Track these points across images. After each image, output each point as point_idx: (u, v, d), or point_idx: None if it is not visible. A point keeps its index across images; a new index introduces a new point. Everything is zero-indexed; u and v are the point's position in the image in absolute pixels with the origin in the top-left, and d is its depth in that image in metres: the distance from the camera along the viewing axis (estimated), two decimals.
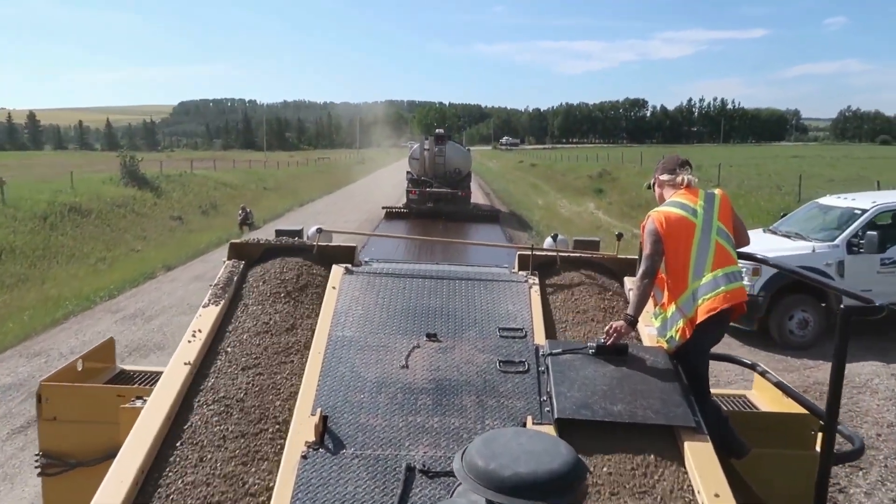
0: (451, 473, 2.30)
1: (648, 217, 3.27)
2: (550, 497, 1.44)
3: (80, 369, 3.88)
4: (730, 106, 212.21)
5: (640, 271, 3.24)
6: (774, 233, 9.57)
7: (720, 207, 3.27)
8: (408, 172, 23.89)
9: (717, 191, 3.39)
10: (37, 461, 3.52)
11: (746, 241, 3.45)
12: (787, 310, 8.50)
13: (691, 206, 3.23)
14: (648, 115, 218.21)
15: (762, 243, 8.61)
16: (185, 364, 2.92)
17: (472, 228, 19.94)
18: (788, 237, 9.11)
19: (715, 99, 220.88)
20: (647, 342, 3.36)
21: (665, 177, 3.45)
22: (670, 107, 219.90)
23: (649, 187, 3.64)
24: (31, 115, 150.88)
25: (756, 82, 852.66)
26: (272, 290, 3.60)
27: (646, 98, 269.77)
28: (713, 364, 3.53)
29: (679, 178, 3.38)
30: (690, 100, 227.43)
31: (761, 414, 3.73)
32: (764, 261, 3.70)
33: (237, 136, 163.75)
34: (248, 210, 21.51)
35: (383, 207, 23.33)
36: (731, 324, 8.47)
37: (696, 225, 3.18)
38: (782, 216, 10.34)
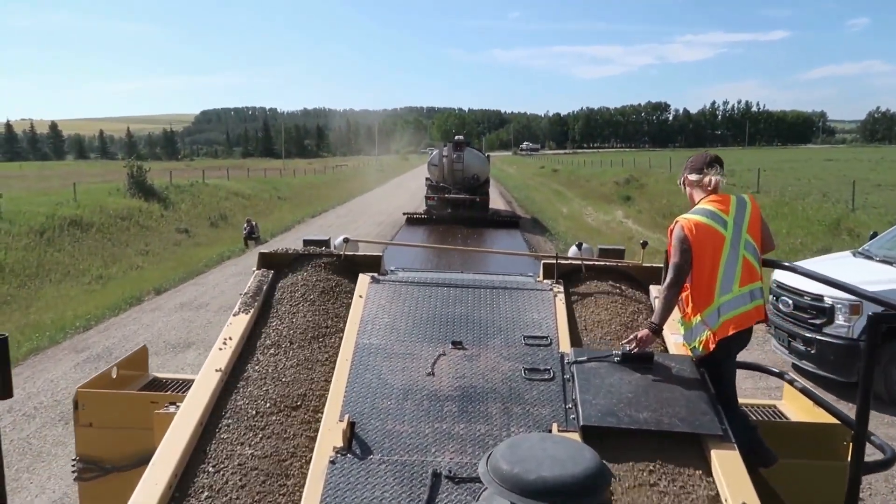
0: (476, 479, 2.27)
1: (677, 222, 3.16)
2: (574, 501, 1.43)
3: (114, 377, 3.91)
4: (754, 108, 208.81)
5: (667, 280, 3.12)
6: (870, 258, 7.78)
7: (750, 218, 3.18)
8: (427, 178, 24.19)
9: (747, 197, 3.28)
10: (73, 466, 3.55)
11: (772, 247, 3.37)
12: None
13: (722, 216, 3.13)
14: (671, 118, 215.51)
15: (857, 272, 6.99)
16: (217, 371, 2.97)
17: (492, 234, 19.90)
18: (890, 263, 7.37)
19: (739, 101, 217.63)
20: (673, 350, 3.29)
21: (693, 176, 3.32)
22: (693, 110, 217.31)
23: (682, 186, 3.49)
24: (53, 125, 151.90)
25: (777, 84, 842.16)
26: (300, 300, 3.63)
27: (668, 102, 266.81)
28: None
29: (706, 179, 3.25)
30: (714, 102, 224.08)
31: (791, 424, 3.63)
32: (791, 268, 3.45)
33: (257, 144, 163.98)
34: (254, 223, 20.24)
35: (404, 213, 23.81)
36: (826, 374, 6.82)
37: (725, 238, 3.10)
38: (872, 236, 8.63)
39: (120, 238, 21.18)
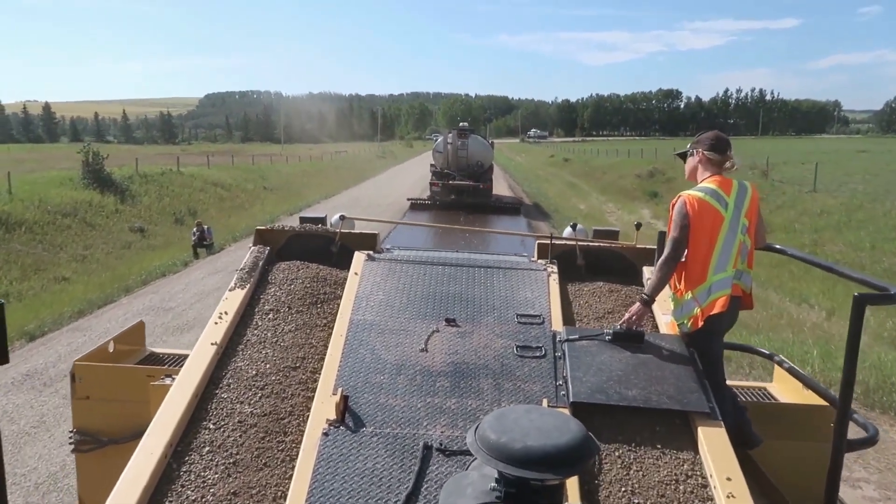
0: (467, 452, 2.32)
1: (679, 197, 3.17)
2: (559, 470, 1.47)
3: (111, 351, 3.95)
4: (768, 97, 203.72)
5: (664, 254, 3.14)
6: None
7: (749, 204, 3.20)
8: (431, 165, 24.78)
9: (748, 184, 3.27)
10: (71, 438, 3.61)
11: (764, 242, 3.38)
12: None
13: (724, 197, 3.15)
14: (682, 106, 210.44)
15: None
16: (212, 344, 2.97)
17: (495, 220, 20.27)
18: None
19: (752, 90, 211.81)
20: (663, 330, 3.31)
21: (712, 155, 3.27)
22: (705, 98, 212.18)
23: (681, 156, 3.47)
24: (47, 107, 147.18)
25: (789, 72, 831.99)
26: (297, 271, 3.69)
27: (679, 89, 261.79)
28: None
29: (728, 163, 3.27)
30: (727, 90, 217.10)
31: (780, 405, 3.68)
32: (782, 251, 3.39)
33: (257, 128, 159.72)
34: (206, 227, 16.54)
35: (408, 199, 24.40)
36: None
37: (724, 219, 3.12)
38: None
39: (55, 240, 17.67)
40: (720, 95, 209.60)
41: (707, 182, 3.19)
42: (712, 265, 3.07)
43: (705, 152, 3.25)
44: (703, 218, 3.06)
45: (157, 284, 12.99)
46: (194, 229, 16.36)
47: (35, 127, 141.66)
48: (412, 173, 44.44)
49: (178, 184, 27.92)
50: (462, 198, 22.91)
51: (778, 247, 3.41)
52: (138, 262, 16.12)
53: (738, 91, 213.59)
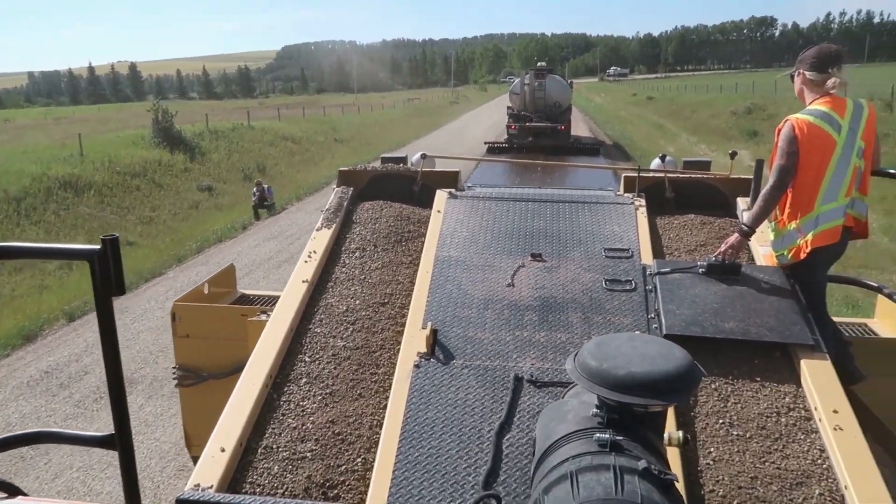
0: (558, 384, 2.38)
1: (786, 121, 2.96)
2: (664, 396, 1.43)
3: (206, 293, 4.15)
4: (876, 19, 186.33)
5: (770, 183, 2.95)
6: None
7: (866, 124, 2.93)
8: (508, 107, 24.35)
9: (864, 102, 3.00)
10: (174, 374, 3.91)
11: (878, 165, 3.12)
12: None
13: (837, 119, 2.90)
14: (778, 34, 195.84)
15: None
16: (304, 282, 3.05)
17: (573, 161, 20.25)
18: None
19: (859, 12, 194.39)
20: (761, 263, 3.20)
21: (812, 75, 3.00)
22: (803, 24, 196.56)
23: (791, 77, 3.16)
24: (133, 67, 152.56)
25: None
26: (381, 210, 3.73)
27: (774, 16, 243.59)
28: None
29: (829, 82, 2.96)
30: (829, 14, 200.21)
31: (885, 340, 3.57)
32: None
33: (332, 78, 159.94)
34: (266, 187, 15.72)
35: (485, 142, 24.13)
36: None
37: (836, 143, 2.89)
38: None
39: (122, 202, 17.36)
40: (821, 21, 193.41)
41: (817, 104, 2.96)
42: (821, 194, 2.90)
43: (806, 73, 3.02)
44: (813, 143, 2.87)
45: (210, 252, 12.31)
46: (254, 189, 15.64)
47: (123, 87, 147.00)
48: (486, 119, 42.66)
49: (247, 139, 27.42)
50: (540, 140, 22.70)
51: (893, 171, 3.21)
52: (202, 224, 15.59)
53: (842, 14, 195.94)
